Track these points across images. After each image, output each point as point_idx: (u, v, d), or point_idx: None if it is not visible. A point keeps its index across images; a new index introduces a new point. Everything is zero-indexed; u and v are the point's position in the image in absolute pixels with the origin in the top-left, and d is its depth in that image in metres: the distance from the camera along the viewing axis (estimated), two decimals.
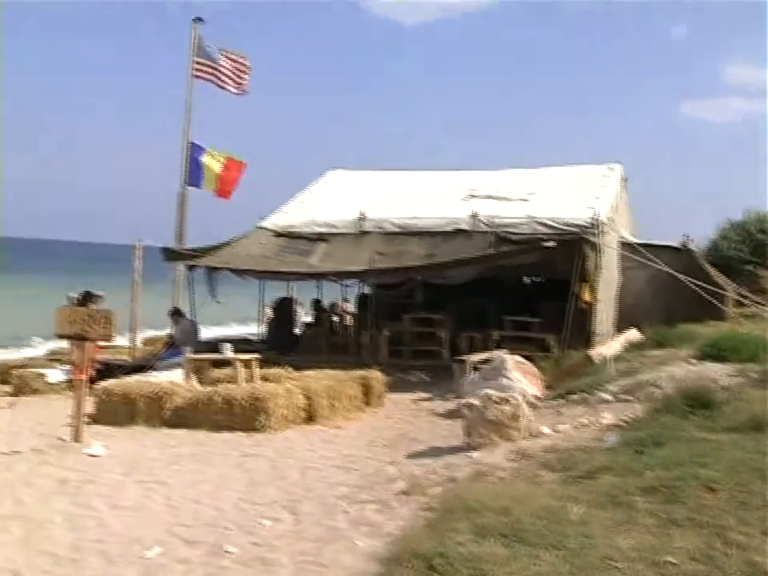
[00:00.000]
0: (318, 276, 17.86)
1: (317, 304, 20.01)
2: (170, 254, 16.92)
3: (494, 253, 14.83)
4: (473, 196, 17.17)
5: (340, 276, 18.31)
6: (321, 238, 16.88)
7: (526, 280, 20.48)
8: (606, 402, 9.18)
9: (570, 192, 16.63)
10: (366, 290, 20.29)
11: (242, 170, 19.42)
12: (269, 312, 20.91)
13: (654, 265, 15.10)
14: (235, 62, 19.27)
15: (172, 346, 15.60)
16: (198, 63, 19.10)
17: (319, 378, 11.43)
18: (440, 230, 16.01)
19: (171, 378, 11.88)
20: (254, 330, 20.88)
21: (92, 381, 10.99)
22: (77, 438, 9.07)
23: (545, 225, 15.21)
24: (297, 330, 19.40)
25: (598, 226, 14.57)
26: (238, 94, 19.41)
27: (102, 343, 10.92)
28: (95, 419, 10.49)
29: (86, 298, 14.49)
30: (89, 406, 10.11)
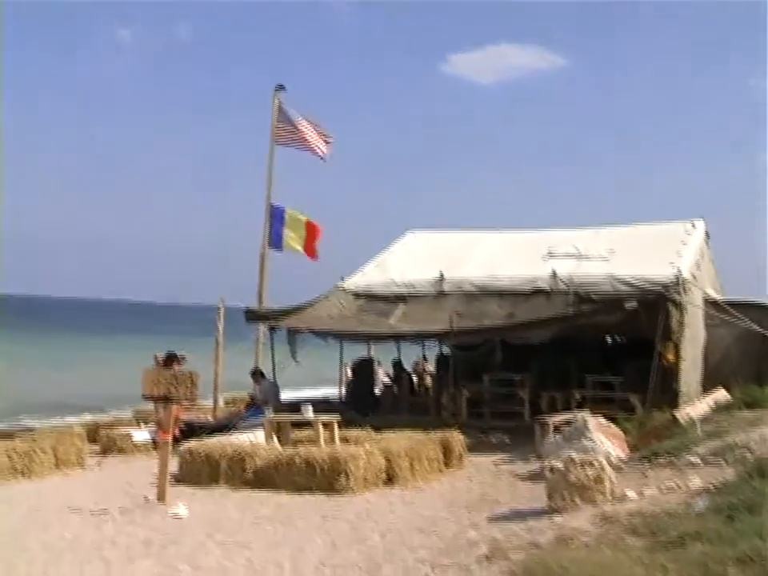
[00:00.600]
0: (398, 337, 17.89)
1: (396, 364, 19.98)
2: (252, 315, 17.20)
3: (574, 313, 14.68)
4: (552, 255, 17.09)
5: (419, 337, 18.31)
6: (400, 298, 17.01)
7: (608, 339, 20.09)
8: (694, 465, 8.88)
9: (651, 250, 16.34)
10: (446, 350, 20.19)
11: (318, 233, 19.74)
12: (349, 373, 20.97)
13: (741, 323, 14.65)
14: (316, 127, 19.76)
15: (253, 407, 15.77)
16: (279, 128, 19.65)
17: (399, 440, 11.39)
18: (519, 289, 15.95)
19: (253, 439, 12.01)
20: (334, 390, 20.94)
21: (176, 441, 11.20)
22: (161, 497, 9.22)
23: (626, 283, 14.98)
24: (376, 391, 19.38)
25: (681, 284, 14.27)
26: (320, 157, 19.82)
27: (185, 403, 11.13)
28: (179, 479, 10.65)
29: (170, 359, 14.79)
30: (173, 465, 10.27)
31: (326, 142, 19.69)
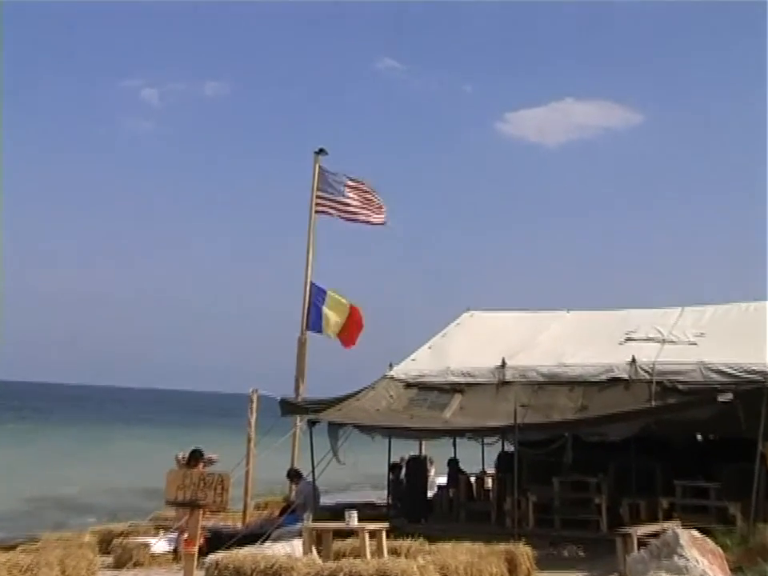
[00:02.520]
0: (454, 432, 17.68)
1: (452, 464, 19.69)
2: (289, 407, 17.21)
3: (658, 406, 14.39)
4: (630, 338, 16.91)
5: (478, 432, 18.05)
6: (456, 388, 16.92)
7: (699, 437, 19.58)
8: None
9: (747, 332, 16.01)
10: (509, 447, 19.87)
11: (360, 321, 19.79)
12: (398, 473, 20.71)
13: None
14: (365, 192, 19.94)
15: (289, 512, 15.64)
16: (320, 197, 19.88)
17: (457, 552, 11.18)
18: (593, 378, 15.78)
19: (289, 550, 11.80)
20: (381, 493, 20.69)
21: (200, 551, 11.04)
22: None
23: (719, 372, 14.64)
24: (430, 494, 19.07)
25: None
26: (376, 224, 19.93)
27: (214, 509, 11.01)
28: None
29: (195, 458, 14.73)
30: None
31: (379, 207, 19.85)
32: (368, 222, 20.01)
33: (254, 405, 17.06)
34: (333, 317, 19.65)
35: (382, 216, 20.06)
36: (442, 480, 20.46)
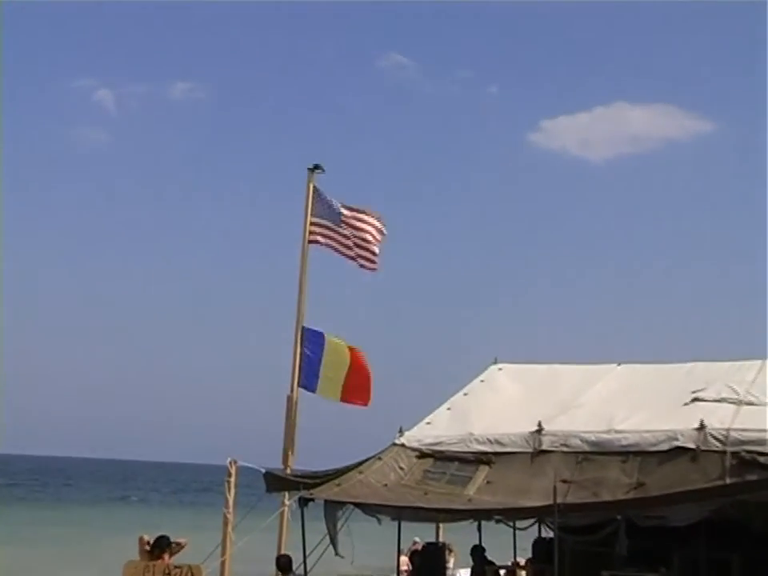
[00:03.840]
0: (479, 514, 17.26)
1: (477, 553, 19.41)
2: (276, 482, 16.98)
3: (734, 483, 14.16)
4: (698, 399, 16.70)
5: (509, 514, 17.71)
6: (482, 459, 16.69)
7: None
8: None
9: None
10: (547, 533, 19.53)
11: (367, 371, 19.50)
12: (407, 563, 20.32)
13: None
14: (363, 223, 19.65)
15: None
16: (315, 225, 19.63)
17: None
18: (652, 448, 15.57)
19: None
20: None
21: None
22: None
23: None
24: None
25: None
26: (367, 269, 19.75)
27: None
28: None
29: (161, 546, 14.30)
30: None
31: (375, 242, 19.62)
32: (360, 264, 19.82)
33: (233, 479, 16.94)
34: (333, 370, 19.33)
35: (374, 260, 19.79)
36: (465, 573, 20.21)
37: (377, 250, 19.77)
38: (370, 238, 19.70)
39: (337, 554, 16.41)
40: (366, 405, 19.56)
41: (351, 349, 19.48)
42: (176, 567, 9.31)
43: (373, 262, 19.79)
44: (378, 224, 19.83)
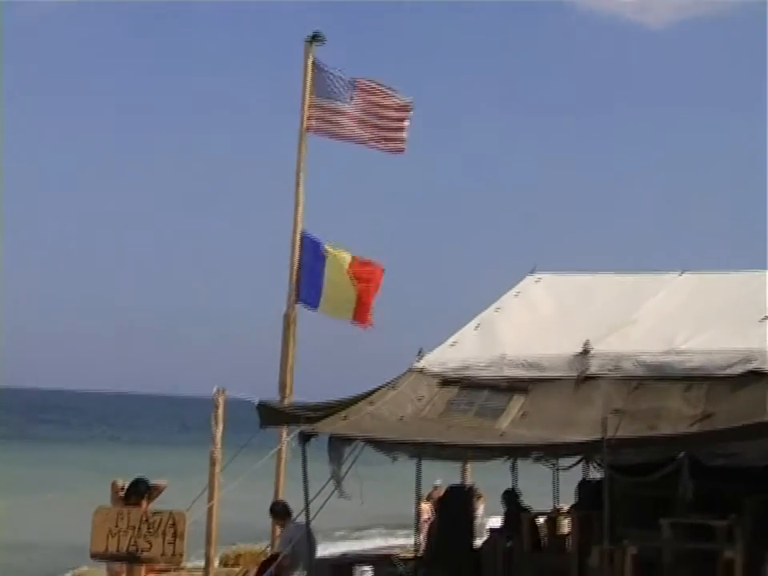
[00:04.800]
0: (513, 451, 17.68)
1: (510, 498, 19.63)
2: (271, 415, 17.15)
3: None
4: None
5: (549, 452, 17.95)
6: (516, 386, 16.81)
7: None
8: None
9: None
10: (595, 474, 19.77)
11: (378, 279, 19.60)
12: (429, 510, 20.57)
13: None
14: (382, 96, 19.55)
15: (273, 568, 15.58)
16: (316, 108, 19.56)
17: None
18: (721, 372, 15.65)
19: None
20: (405, 539, 20.76)
21: None
22: None
23: None
24: (477, 542, 18.99)
25: None
26: (392, 151, 19.71)
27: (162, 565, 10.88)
28: None
29: (137, 491, 14.59)
30: None
31: (399, 125, 19.51)
32: (380, 147, 19.76)
33: (220, 411, 17.01)
34: (336, 285, 19.49)
35: (401, 139, 19.75)
36: (495, 522, 20.39)
37: (404, 125, 19.65)
38: (393, 113, 19.59)
39: (342, 495, 16.57)
40: (367, 325, 19.73)
41: (355, 259, 19.57)
42: (155, 514, 9.48)
43: (399, 141, 19.68)
44: (400, 99, 19.72)
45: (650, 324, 17.55)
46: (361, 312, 19.69)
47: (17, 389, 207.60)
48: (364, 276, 19.59)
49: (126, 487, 14.82)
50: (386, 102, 19.53)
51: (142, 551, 9.18)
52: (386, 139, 19.60)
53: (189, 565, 16.51)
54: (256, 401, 17.33)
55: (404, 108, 19.61)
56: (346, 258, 19.59)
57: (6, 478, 46.96)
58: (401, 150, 19.82)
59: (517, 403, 16.52)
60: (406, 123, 19.66)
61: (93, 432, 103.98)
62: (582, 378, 16.61)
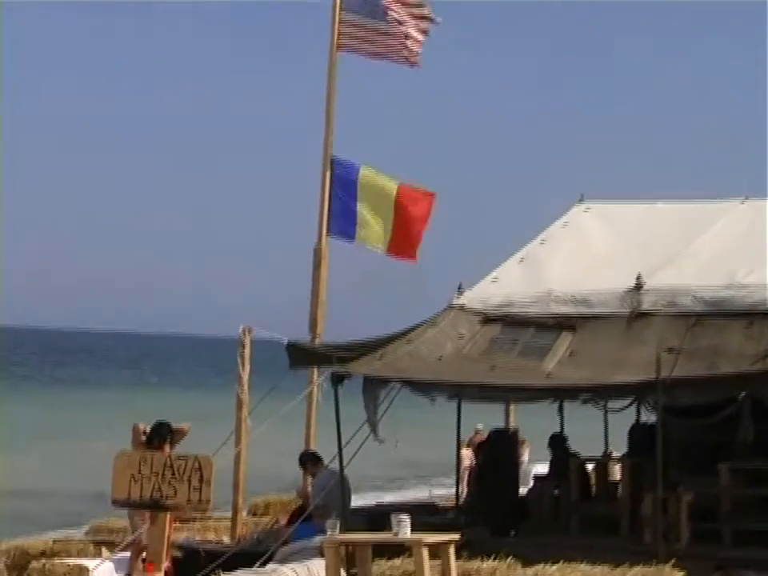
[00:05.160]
0: (561, 392, 17.77)
1: (557, 443, 19.67)
2: (302, 355, 17.37)
3: None
4: None
5: (599, 393, 17.97)
6: (564, 323, 16.90)
7: None
8: None
9: None
10: (648, 416, 19.77)
11: (429, 206, 19.55)
12: (470, 456, 20.67)
13: None
14: (409, 6, 19.47)
15: (303, 518, 15.74)
16: (348, 24, 19.50)
17: None
18: None
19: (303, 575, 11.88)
20: (445, 489, 20.84)
21: None
22: None
23: None
24: (522, 490, 19.09)
25: None
26: (407, 64, 19.65)
27: (189, 514, 11.00)
28: None
29: (160, 435, 14.73)
30: None
31: (420, 31, 19.42)
32: (399, 59, 19.67)
33: (247, 351, 17.03)
34: (372, 212, 19.43)
35: (418, 52, 19.64)
36: (542, 468, 20.46)
37: (422, 38, 19.57)
38: (417, 24, 19.50)
39: (377, 439, 16.76)
40: (413, 260, 19.70)
41: (402, 186, 19.48)
42: (179, 458, 9.50)
43: (416, 54, 19.58)
44: (427, 12, 19.62)
45: (708, 256, 17.51)
46: (407, 245, 19.58)
47: (39, 329, 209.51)
48: (412, 205, 19.48)
49: (147, 431, 14.99)
50: (412, 13, 19.46)
51: (167, 498, 9.21)
52: (406, 50, 19.49)
53: (215, 515, 16.71)
54: (285, 340, 17.44)
55: (427, 19, 19.54)
56: (389, 183, 19.48)
57: (25, 422, 47.54)
58: (416, 64, 19.74)
59: (564, 342, 16.61)
60: (424, 36, 19.60)
61: (121, 375, 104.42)
62: (635, 315, 16.64)
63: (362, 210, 19.36)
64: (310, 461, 16.85)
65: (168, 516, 9.41)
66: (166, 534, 9.47)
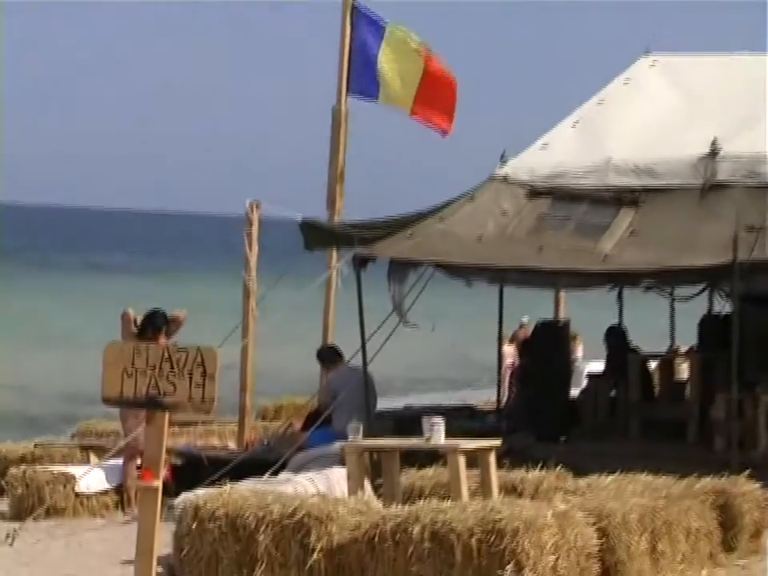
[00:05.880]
0: (620, 278, 17.90)
1: (615, 337, 19.77)
2: (318, 235, 17.41)
3: None
4: None
5: (665, 279, 18.02)
6: (625, 197, 16.88)
7: None
8: None
9: None
10: (722, 305, 19.86)
11: (453, 81, 19.54)
12: (513, 353, 20.82)
13: None
14: None
15: (321, 421, 15.92)
16: None
17: (626, 494, 11.32)
18: None
19: (322, 488, 12.08)
20: (486, 391, 20.98)
21: (165, 488, 11.24)
22: None
23: None
24: (574, 392, 19.24)
25: None
26: None
27: (192, 417, 11.09)
28: (174, 569, 10.85)
29: (153, 324, 14.89)
30: (163, 539, 10.26)
31: None
32: None
33: (254, 230, 17.04)
34: (395, 69, 19.40)
35: None
36: (596, 366, 20.58)
37: None
38: None
39: (407, 322, 16.96)
40: (445, 132, 19.71)
41: (426, 51, 19.45)
42: (179, 350, 9.48)
43: None
44: None
45: None
46: (437, 111, 19.58)
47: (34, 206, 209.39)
48: (441, 74, 19.47)
49: (138, 321, 15.14)
50: None
51: (165, 395, 9.24)
52: None
53: (220, 419, 16.89)
54: (299, 218, 17.43)
55: None
56: (417, 45, 19.43)
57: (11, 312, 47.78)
58: None
59: (624, 219, 16.60)
60: None
61: (124, 258, 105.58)
62: (708, 187, 16.63)
63: (387, 67, 19.31)
64: (328, 357, 16.98)
65: (166, 417, 9.47)
66: (165, 437, 9.54)
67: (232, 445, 16.78)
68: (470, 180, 18.10)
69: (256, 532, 10.67)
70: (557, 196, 17.28)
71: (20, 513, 14.27)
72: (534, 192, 17.40)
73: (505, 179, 17.63)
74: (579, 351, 21.85)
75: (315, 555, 10.47)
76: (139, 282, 67.74)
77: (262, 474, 13.46)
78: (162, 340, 14.41)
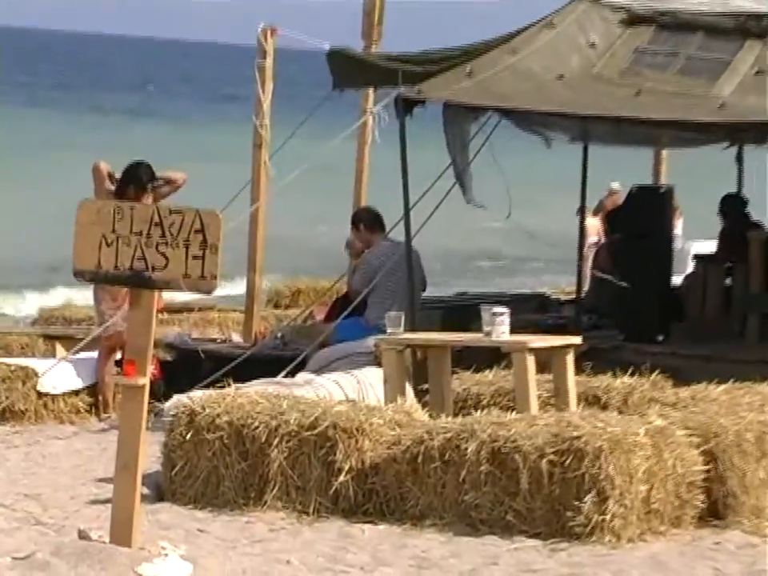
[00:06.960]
0: (740, 133, 18.01)
1: (732, 207, 19.71)
2: (350, 69, 17.34)
3: None
4: None
5: None
6: (749, 26, 16.70)
7: None
8: None
9: None
10: None
11: None
12: (599, 228, 20.91)
13: None
14: None
15: (350, 310, 16.03)
16: None
17: (741, 408, 11.40)
18: None
19: (351, 392, 12.26)
20: (562, 275, 21.10)
21: (152, 387, 11.36)
22: (124, 536, 9.32)
23: None
24: (676, 280, 19.24)
25: None
26: None
27: (182, 296, 11.16)
28: (163, 489, 11.00)
29: (135, 179, 14.92)
30: (149, 451, 10.36)
31: None
32: None
33: (269, 63, 16.97)
34: None
35: None
36: (704, 246, 20.57)
37: None
38: None
39: (469, 201, 16.89)
40: None
41: None
42: (173, 212, 9.32)
43: None
44: None
45: None
46: None
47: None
48: None
49: (115, 175, 15.12)
50: None
51: (154, 269, 9.16)
52: None
53: (223, 290, 16.91)
54: (326, 47, 17.32)
55: None
56: None
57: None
58: None
59: (749, 54, 16.46)
60: None
61: (117, 102, 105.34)
62: None
63: None
64: (366, 222, 16.89)
65: (156, 296, 9.45)
66: (153, 324, 9.54)
67: (237, 337, 16.85)
68: (548, 3, 17.90)
69: (267, 446, 10.80)
70: (661, 24, 17.09)
71: None
72: (632, 18, 17.21)
73: (595, 1, 17.45)
74: (679, 227, 21.72)
75: (342, 477, 10.60)
76: (154, 127, 67.93)
77: (275, 374, 13.53)
78: (148, 198, 14.43)
